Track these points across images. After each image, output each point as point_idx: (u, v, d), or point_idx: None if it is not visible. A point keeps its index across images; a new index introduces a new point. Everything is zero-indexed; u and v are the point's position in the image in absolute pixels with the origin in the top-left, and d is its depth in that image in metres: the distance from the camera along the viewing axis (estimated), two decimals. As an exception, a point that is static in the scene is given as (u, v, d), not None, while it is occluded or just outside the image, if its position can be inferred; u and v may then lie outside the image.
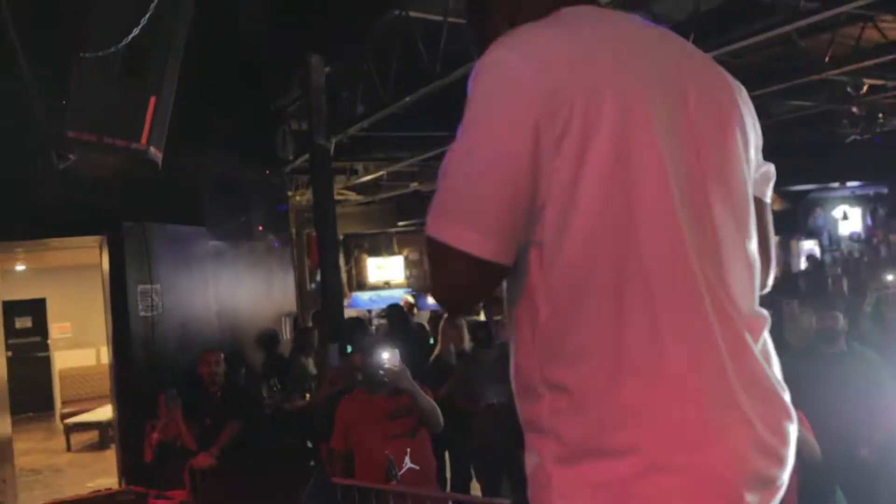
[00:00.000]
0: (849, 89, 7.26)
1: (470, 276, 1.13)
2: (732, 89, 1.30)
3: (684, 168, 1.16)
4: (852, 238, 17.67)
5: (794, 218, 18.26)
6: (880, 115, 8.47)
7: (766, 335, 1.25)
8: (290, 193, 10.80)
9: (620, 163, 1.10)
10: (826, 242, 18.29)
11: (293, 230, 11.81)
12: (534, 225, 1.13)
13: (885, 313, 6.94)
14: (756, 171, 1.33)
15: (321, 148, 7.03)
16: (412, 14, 6.36)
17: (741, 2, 5.69)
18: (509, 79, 1.12)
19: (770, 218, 1.40)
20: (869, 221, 17.55)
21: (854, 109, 7.87)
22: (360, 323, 7.43)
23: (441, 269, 1.15)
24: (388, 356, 4.18)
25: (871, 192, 16.93)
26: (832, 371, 5.11)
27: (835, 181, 14.75)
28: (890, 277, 8.55)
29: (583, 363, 1.10)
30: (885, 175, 13.35)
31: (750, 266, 1.24)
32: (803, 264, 16.13)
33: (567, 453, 1.11)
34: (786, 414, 1.20)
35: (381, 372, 4.17)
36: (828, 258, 16.96)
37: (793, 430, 1.20)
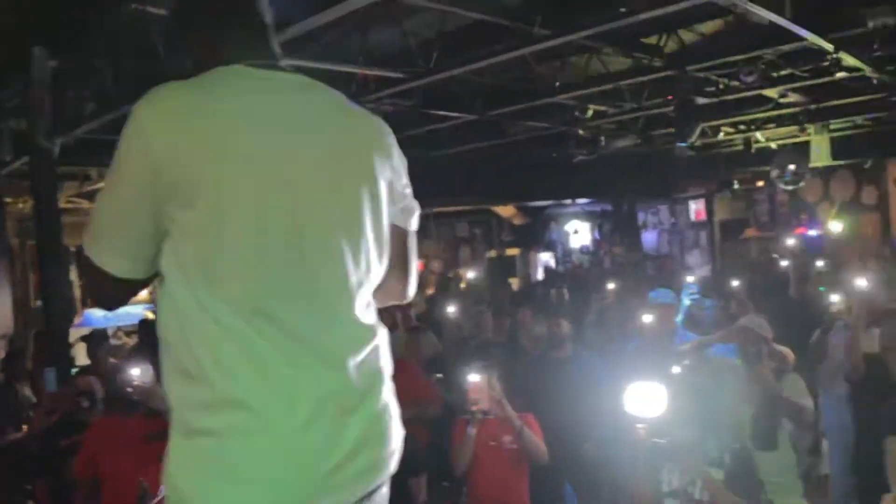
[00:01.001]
0: (576, 113, 7.90)
1: (109, 286, 1.48)
2: (369, 139, 1.56)
3: (290, 219, 1.40)
4: (582, 251, 19.36)
5: (532, 232, 19.61)
6: (602, 138, 9.31)
7: (372, 346, 1.50)
8: (8, 200, 9.67)
9: (221, 214, 1.35)
10: (560, 255, 19.88)
11: (14, 240, 10.59)
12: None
13: (607, 320, 7.56)
14: (395, 206, 1.61)
15: (43, 149, 6.34)
16: (150, 9, 5.93)
17: (484, 24, 5.97)
18: (142, 136, 1.36)
19: (412, 243, 1.73)
20: (597, 235, 19.30)
21: (581, 132, 8.56)
22: (98, 339, 6.80)
23: (90, 280, 1.48)
24: (138, 373, 3.83)
25: (598, 209, 18.60)
26: (560, 375, 5.47)
27: (567, 198, 15.99)
28: (611, 286, 9.41)
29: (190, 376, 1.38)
30: (608, 193, 14.71)
31: (351, 292, 1.47)
32: (541, 275, 17.41)
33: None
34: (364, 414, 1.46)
35: (130, 390, 3.83)
36: (561, 269, 18.44)
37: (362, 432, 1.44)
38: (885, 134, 11.86)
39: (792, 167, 9.17)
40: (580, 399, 5.08)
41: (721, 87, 7.77)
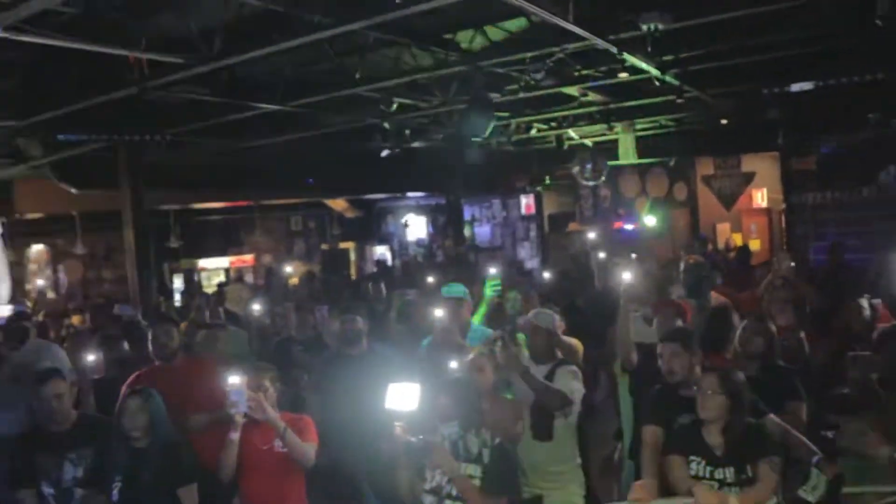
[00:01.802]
0: (382, 107, 7.82)
1: None
2: None
3: None
4: (418, 244, 19.47)
5: (368, 225, 19.50)
6: (407, 132, 9.28)
7: None
8: None
9: None
10: (396, 248, 19.90)
11: None
12: None
13: (411, 316, 7.51)
14: None
15: None
16: None
17: (270, 14, 5.75)
18: None
19: None
20: (431, 229, 19.45)
21: (386, 125, 8.49)
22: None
23: None
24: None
25: (433, 202, 18.72)
26: (354, 372, 5.34)
27: (396, 192, 15.98)
28: (430, 280, 9.41)
29: None
30: (436, 187, 14.79)
31: None
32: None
33: None
34: None
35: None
36: (398, 262, 18.46)
37: None
38: (688, 134, 12.57)
39: (589, 165, 9.50)
40: (375, 397, 4.95)
41: (522, 84, 7.92)
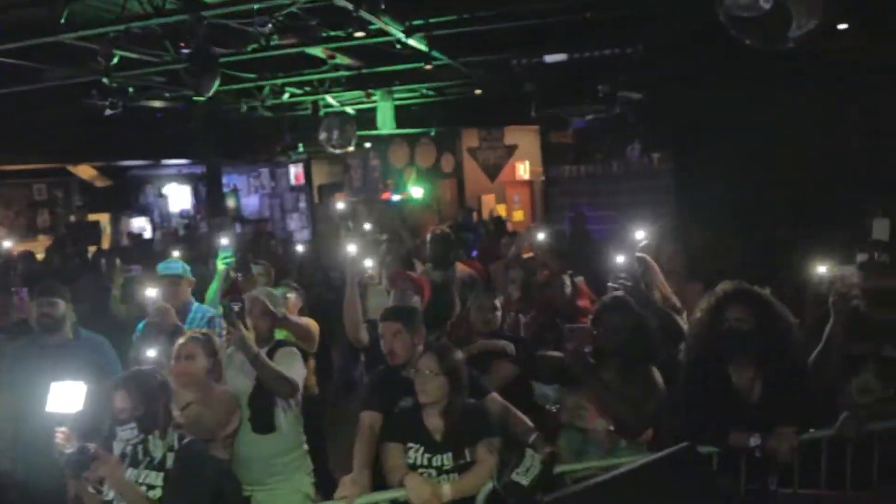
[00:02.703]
0: (100, 59, 6.90)
1: None
2: None
3: None
4: (182, 215, 18.17)
5: (124, 195, 17.93)
6: (130, 88, 8.38)
7: None
8: None
9: None
10: (157, 219, 18.47)
11: None
12: None
13: (134, 294, 6.75)
14: None
15: None
16: None
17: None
18: None
19: None
20: (194, 199, 18.26)
21: (106, 81, 7.55)
22: None
23: None
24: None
25: (198, 170, 17.51)
26: (53, 363, 4.55)
27: (150, 158, 14.72)
28: (176, 254, 8.61)
29: None
30: (198, 154, 13.76)
31: None
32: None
33: None
34: None
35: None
36: (158, 235, 17.08)
37: None
38: (450, 104, 12.50)
39: (336, 132, 9.07)
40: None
41: (262, 42, 7.29)
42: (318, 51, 8.01)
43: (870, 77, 9.07)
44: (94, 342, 4.91)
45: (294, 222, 17.69)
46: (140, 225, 17.67)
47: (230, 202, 16.88)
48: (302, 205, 17.56)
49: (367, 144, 14.73)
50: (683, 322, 4.29)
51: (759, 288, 3.61)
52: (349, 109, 11.43)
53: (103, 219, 17.23)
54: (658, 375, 3.72)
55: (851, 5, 6.80)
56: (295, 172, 17.31)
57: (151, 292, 4.63)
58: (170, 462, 3.24)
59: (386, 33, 7.25)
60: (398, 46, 7.57)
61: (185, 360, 3.92)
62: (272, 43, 7.26)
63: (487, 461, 3.32)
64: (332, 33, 7.58)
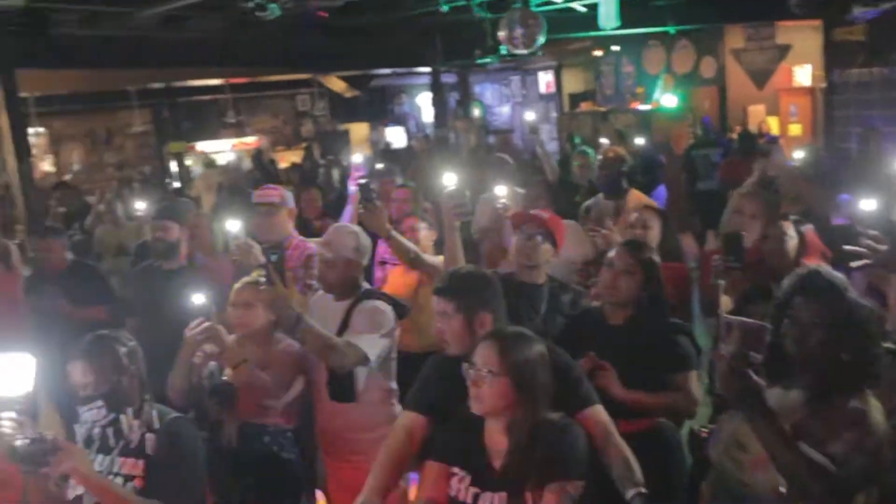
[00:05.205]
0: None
1: None
2: None
3: None
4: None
5: (380, 105, 18.18)
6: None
7: None
8: None
9: None
10: (413, 129, 18.52)
11: None
12: None
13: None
14: None
15: None
16: None
17: None
18: None
19: None
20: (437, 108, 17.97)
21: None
22: None
23: None
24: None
25: (450, 80, 17.18)
26: (165, 287, 4.35)
27: (380, 66, 14.61)
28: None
29: None
30: (420, 60, 13.34)
31: None
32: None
33: None
34: None
35: None
36: (414, 143, 17.12)
37: None
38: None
39: (520, 29, 7.81)
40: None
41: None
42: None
43: None
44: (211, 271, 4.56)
45: (544, 134, 16.73)
46: (394, 135, 17.83)
47: (476, 111, 16.26)
48: (554, 114, 16.51)
49: (616, 47, 13.21)
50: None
51: None
52: (577, 6, 10.09)
53: (360, 129, 17.66)
54: (878, 411, 2.09)
55: None
56: (545, 80, 16.27)
57: (234, 225, 3.88)
58: (150, 447, 2.65)
59: None
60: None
61: (242, 309, 3.33)
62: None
63: None
64: None
